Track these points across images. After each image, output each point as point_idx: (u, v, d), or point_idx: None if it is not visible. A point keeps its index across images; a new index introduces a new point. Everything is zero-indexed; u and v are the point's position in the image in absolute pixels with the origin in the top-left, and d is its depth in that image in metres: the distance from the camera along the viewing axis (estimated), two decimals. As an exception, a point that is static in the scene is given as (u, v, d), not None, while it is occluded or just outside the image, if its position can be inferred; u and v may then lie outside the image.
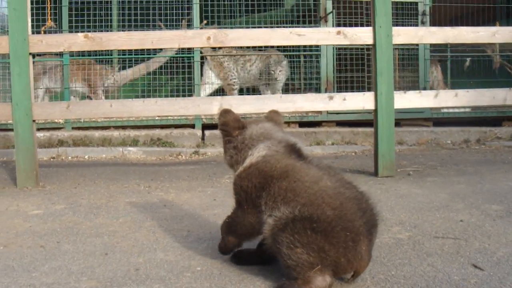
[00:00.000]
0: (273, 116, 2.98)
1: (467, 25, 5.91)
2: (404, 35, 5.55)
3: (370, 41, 5.48)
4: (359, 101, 5.53)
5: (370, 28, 5.49)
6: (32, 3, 5.57)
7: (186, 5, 8.80)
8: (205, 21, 8.92)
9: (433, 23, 9.21)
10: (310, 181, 2.45)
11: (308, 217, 2.32)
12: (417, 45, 8.90)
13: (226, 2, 9.31)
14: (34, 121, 5.29)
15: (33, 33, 5.46)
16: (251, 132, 2.76)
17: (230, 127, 2.79)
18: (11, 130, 6.98)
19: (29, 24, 5.30)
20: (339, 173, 2.61)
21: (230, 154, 2.79)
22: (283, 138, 2.73)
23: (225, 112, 2.83)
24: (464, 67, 9.98)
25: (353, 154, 7.39)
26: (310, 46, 8.65)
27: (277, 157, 2.59)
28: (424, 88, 8.73)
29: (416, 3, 9.09)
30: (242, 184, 2.62)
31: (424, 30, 5.83)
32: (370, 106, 5.49)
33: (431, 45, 9.09)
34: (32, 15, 5.47)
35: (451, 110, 8.97)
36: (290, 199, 2.40)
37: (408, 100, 5.58)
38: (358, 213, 2.37)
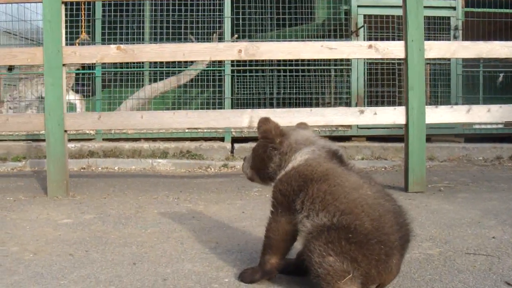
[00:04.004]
0: (305, 126, 2.97)
1: (500, 40, 5.81)
2: (436, 49, 5.50)
3: (402, 55, 5.44)
4: (390, 116, 5.48)
5: (402, 42, 5.46)
6: (66, 15, 5.63)
7: (217, 19, 8.85)
8: (236, 35, 8.96)
9: (466, 37, 9.12)
10: (350, 187, 2.43)
11: (346, 226, 2.29)
12: (449, 59, 8.82)
13: (257, 16, 9.34)
14: (66, 131, 5.35)
15: (67, 45, 5.53)
16: (296, 137, 2.75)
17: (273, 135, 2.76)
18: (43, 140, 7.06)
19: (63, 36, 5.37)
20: (379, 184, 2.59)
21: (275, 162, 2.75)
22: (326, 144, 2.72)
23: (266, 120, 2.81)
24: (497, 82, 9.86)
25: (383, 169, 7.32)
26: (341, 60, 8.63)
27: (319, 160, 2.57)
28: (456, 104, 8.63)
29: (449, 18, 9.01)
30: (281, 188, 2.60)
31: (456, 45, 5.76)
32: (401, 120, 5.44)
33: (463, 60, 9.01)
34: (66, 27, 5.53)
35: (483, 126, 8.85)
36: (329, 202, 2.37)
37: (439, 115, 5.51)
38: (395, 227, 2.35)
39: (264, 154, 2.80)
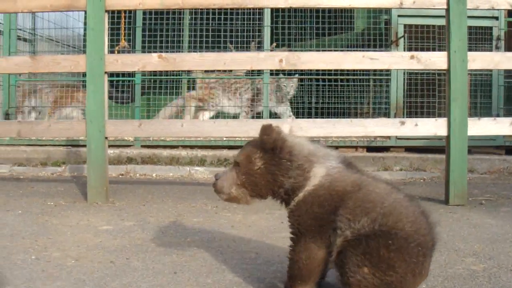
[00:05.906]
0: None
1: (544, 51, 5.70)
2: (479, 60, 5.41)
3: (444, 66, 5.37)
4: (431, 127, 5.41)
5: (444, 53, 5.38)
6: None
7: (257, 27, 8.87)
8: (275, 43, 8.96)
9: (508, 48, 8.97)
10: (384, 193, 2.42)
11: (386, 233, 2.27)
12: (490, 70, 8.68)
13: (296, 25, 9.33)
14: (106, 138, 5.40)
15: (108, 53, 5.58)
16: (307, 147, 2.57)
17: (285, 145, 2.51)
18: (82, 146, 7.15)
19: (106, 44, 5.43)
20: (401, 189, 2.57)
21: (291, 177, 2.50)
22: (336, 154, 2.61)
23: (271, 128, 2.49)
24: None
25: (421, 180, 7.22)
26: (381, 69, 8.56)
27: (342, 173, 2.49)
28: (498, 115, 8.49)
29: (491, 28, 8.87)
30: (309, 211, 2.47)
31: (500, 56, 5.67)
32: (443, 132, 5.37)
33: (505, 70, 8.85)
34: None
35: (525, 139, 8.68)
36: (369, 208, 2.34)
37: (482, 127, 5.42)
38: (428, 228, 2.37)
39: (277, 168, 2.51)
